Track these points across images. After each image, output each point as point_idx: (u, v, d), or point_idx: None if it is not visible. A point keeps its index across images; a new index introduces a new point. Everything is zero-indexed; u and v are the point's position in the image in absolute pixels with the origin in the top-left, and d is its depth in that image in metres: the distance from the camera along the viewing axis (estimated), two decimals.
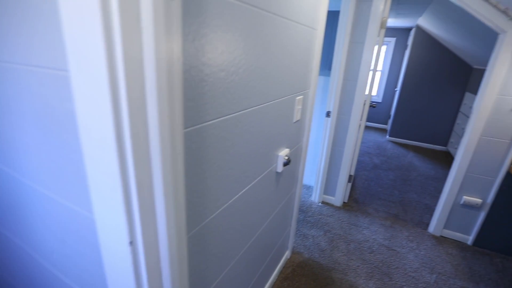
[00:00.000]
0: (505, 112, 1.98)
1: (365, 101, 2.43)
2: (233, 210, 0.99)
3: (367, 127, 5.97)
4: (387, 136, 5.21)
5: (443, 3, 2.75)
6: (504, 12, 1.83)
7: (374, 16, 2.14)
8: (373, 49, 2.23)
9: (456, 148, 4.20)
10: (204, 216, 0.82)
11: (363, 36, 2.23)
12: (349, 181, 2.71)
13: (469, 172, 2.19)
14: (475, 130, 2.08)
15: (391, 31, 5.43)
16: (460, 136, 4.09)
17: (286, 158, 1.31)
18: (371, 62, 2.29)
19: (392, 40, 5.47)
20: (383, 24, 2.19)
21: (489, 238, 2.26)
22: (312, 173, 3.09)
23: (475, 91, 3.97)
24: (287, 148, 1.36)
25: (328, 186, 2.76)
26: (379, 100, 5.86)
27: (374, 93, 5.93)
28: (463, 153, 2.16)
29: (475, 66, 4.19)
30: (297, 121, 1.44)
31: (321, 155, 2.64)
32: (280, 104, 1.18)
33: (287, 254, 2.00)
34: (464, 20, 2.77)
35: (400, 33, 5.39)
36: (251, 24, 0.81)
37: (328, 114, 2.48)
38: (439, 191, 3.26)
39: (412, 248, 2.27)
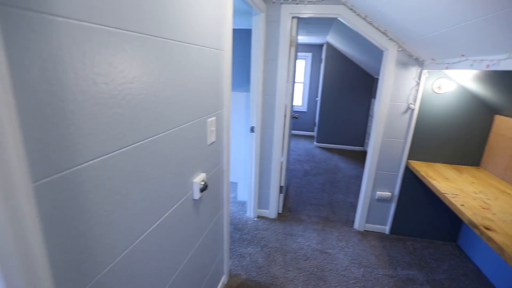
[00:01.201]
0: (397, 116, 2.31)
1: (286, 113, 2.56)
2: (140, 253, 0.89)
3: (297, 136, 6.35)
4: (315, 143, 5.62)
5: (341, 24, 3.13)
6: (384, 33, 2.16)
7: (283, 35, 2.30)
8: (287, 65, 2.38)
9: None
10: (95, 272, 0.71)
11: (276, 54, 2.36)
12: (280, 192, 2.79)
13: (378, 170, 2.47)
14: (377, 133, 2.36)
15: (307, 47, 5.96)
16: None
17: (203, 183, 1.26)
18: (287, 77, 2.43)
19: (309, 55, 6.00)
20: (292, 42, 2.36)
21: (400, 225, 2.57)
22: (245, 189, 3.09)
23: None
24: (203, 172, 1.31)
25: (262, 200, 2.79)
26: (305, 110, 6.31)
27: (299, 103, 6.37)
28: (372, 154, 2.43)
29: (376, 76, 4.87)
30: (213, 143, 1.41)
31: (250, 170, 2.66)
32: (189, 128, 1.13)
33: (223, 279, 1.92)
34: (359, 39, 3.20)
35: (314, 49, 5.95)
36: (140, 51, 0.75)
37: (252, 129, 2.53)
38: (360, 188, 3.60)
39: (342, 248, 2.42)
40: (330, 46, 5.03)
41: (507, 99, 1.86)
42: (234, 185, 3.49)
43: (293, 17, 2.30)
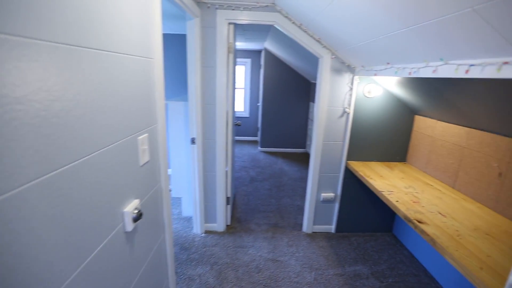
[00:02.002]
0: (335, 119, 2.42)
1: (228, 121, 2.46)
2: None
3: (241, 142, 6.31)
4: (259, 148, 5.66)
5: (278, 31, 3.18)
6: (318, 41, 2.24)
7: (220, 41, 2.20)
8: (226, 72, 2.29)
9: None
10: None
11: (214, 60, 2.25)
12: (228, 203, 2.67)
13: (321, 173, 2.55)
14: (318, 137, 2.44)
15: (246, 53, 5.99)
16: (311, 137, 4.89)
17: (136, 211, 1.07)
18: (226, 84, 2.34)
19: (248, 60, 6.04)
20: (230, 48, 2.28)
21: (344, 223, 2.69)
22: (190, 204, 2.89)
23: (313, 100, 4.85)
24: (136, 199, 1.12)
25: (208, 213, 2.63)
26: (247, 115, 6.33)
27: (241, 109, 6.36)
28: (314, 158, 2.50)
29: (313, 81, 5.14)
30: (146, 162, 1.22)
31: (194, 184, 2.49)
32: (114, 150, 0.94)
33: None
34: (296, 45, 3.30)
35: (253, 55, 6.02)
36: (31, 61, 0.56)
37: (193, 141, 2.36)
38: (305, 190, 3.72)
39: (292, 253, 2.42)
40: (268, 52, 5.13)
41: (423, 101, 2.09)
42: (177, 200, 3.24)
43: (229, 23, 2.23)
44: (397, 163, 2.52)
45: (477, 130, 1.78)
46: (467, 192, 1.85)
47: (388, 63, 1.73)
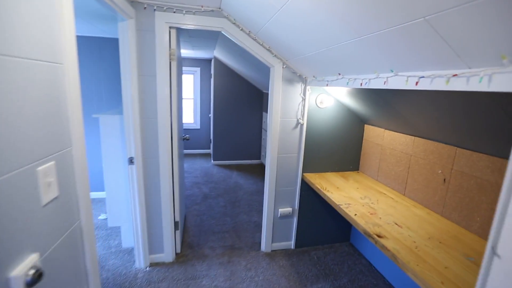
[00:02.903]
0: (289, 131, 2.33)
1: (172, 136, 2.20)
2: None
3: (192, 155, 5.97)
4: (212, 161, 5.39)
5: (227, 39, 3.04)
6: (269, 50, 2.14)
7: (160, 47, 1.95)
8: (168, 82, 2.04)
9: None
10: None
11: (153, 69, 1.99)
12: (176, 228, 2.37)
13: (278, 187, 2.42)
14: (273, 150, 2.32)
15: (195, 62, 5.74)
16: (266, 148, 4.81)
17: (32, 272, 0.77)
18: (170, 95, 2.09)
19: (197, 69, 5.79)
20: (172, 56, 2.04)
21: (303, 237, 2.59)
22: (131, 233, 2.51)
23: (266, 110, 4.80)
24: (34, 252, 0.82)
25: (154, 242, 2.30)
26: (198, 127, 6.03)
27: (191, 120, 6.04)
28: (270, 172, 2.36)
29: (265, 91, 5.10)
30: (54, 199, 0.92)
31: (134, 210, 2.15)
32: None
33: None
34: (246, 54, 3.19)
35: (203, 64, 5.79)
36: None
37: (131, 160, 2.04)
38: (262, 204, 3.57)
39: (252, 278, 2.22)
40: (218, 61, 4.96)
41: (372, 110, 2.11)
42: (116, 230, 2.81)
43: (171, 27, 2.00)
44: (351, 172, 2.53)
45: (421, 139, 1.83)
46: (417, 199, 1.88)
47: (339, 74, 1.68)
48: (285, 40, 1.76)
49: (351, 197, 1.95)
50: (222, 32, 2.06)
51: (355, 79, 1.52)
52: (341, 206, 1.78)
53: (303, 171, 2.42)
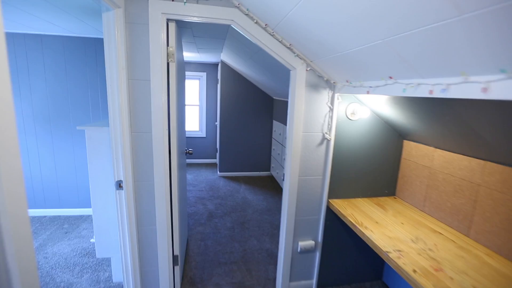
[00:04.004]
0: (313, 148, 1.90)
1: (171, 152, 1.79)
2: None
3: (196, 165, 5.57)
4: (218, 172, 4.98)
5: (237, 39, 2.64)
6: (290, 48, 1.72)
7: (155, 44, 1.56)
8: (165, 88, 1.64)
9: (277, 173, 4.46)
10: None
11: (147, 72, 1.59)
12: (175, 264, 1.95)
13: (298, 216, 1.99)
14: (293, 171, 1.89)
15: (201, 66, 5.38)
16: (279, 161, 4.37)
17: None
18: (167, 104, 1.69)
19: (203, 74, 5.42)
20: (171, 56, 1.64)
21: (327, 275, 2.14)
22: (119, 269, 2.10)
23: (280, 120, 4.38)
24: None
25: (147, 281, 1.88)
26: (203, 135, 5.64)
27: (196, 128, 5.66)
28: (289, 198, 1.93)
29: (275, 98, 4.69)
30: None
31: (122, 243, 1.74)
32: None
33: None
34: (257, 57, 2.79)
35: (209, 68, 5.42)
36: None
37: (119, 184, 1.64)
38: (274, 226, 3.13)
39: None
40: (225, 65, 4.58)
41: (419, 123, 1.67)
42: (106, 261, 2.40)
43: (169, 20, 1.60)
44: (386, 198, 2.07)
45: (499, 165, 1.38)
46: (491, 245, 1.42)
47: (390, 77, 1.25)
48: (317, 32, 1.34)
49: (398, 238, 1.50)
50: (232, 25, 1.65)
51: (419, 84, 1.09)
52: (390, 255, 1.34)
53: (329, 196, 1.99)
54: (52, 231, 2.89)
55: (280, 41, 1.70)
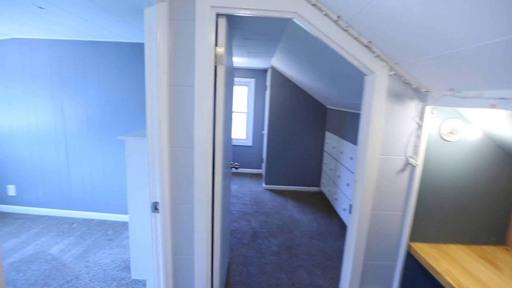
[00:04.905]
0: (391, 176, 1.46)
1: (215, 169, 1.52)
2: None
3: (241, 175, 5.34)
4: (263, 184, 4.67)
5: (294, 40, 2.33)
6: (368, 47, 1.34)
7: (202, 44, 1.31)
8: (211, 95, 1.38)
9: (329, 190, 3.99)
10: None
11: (191, 77, 1.35)
12: None
13: (367, 260, 1.56)
14: (364, 203, 1.47)
15: (250, 72, 5.19)
16: (331, 177, 3.90)
17: None
18: (213, 115, 1.43)
19: (252, 81, 5.22)
20: (218, 57, 1.38)
21: None
22: None
23: (334, 131, 3.92)
24: None
25: None
26: (250, 144, 5.41)
27: (242, 136, 5.46)
28: (357, 237, 1.51)
29: (329, 107, 4.24)
30: None
31: (156, 271, 1.51)
32: None
33: None
34: (315, 60, 2.43)
35: (258, 74, 5.20)
36: None
37: (155, 207, 1.42)
38: (327, 256, 2.69)
39: None
40: (275, 71, 4.29)
41: None
42: (143, 281, 2.23)
43: (218, 15, 1.35)
44: (493, 248, 1.52)
45: None
46: None
47: None
48: (423, 21, 0.94)
49: None
50: (294, 19, 1.33)
51: None
52: None
53: (411, 238, 1.52)
54: (96, 237, 2.87)
55: (355, 38, 1.33)
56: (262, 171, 5.25)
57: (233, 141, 5.37)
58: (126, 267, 2.39)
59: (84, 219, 3.25)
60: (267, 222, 3.40)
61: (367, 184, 1.44)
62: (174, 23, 1.30)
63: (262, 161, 5.38)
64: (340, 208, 3.40)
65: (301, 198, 4.24)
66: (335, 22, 1.30)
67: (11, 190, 3.34)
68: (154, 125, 1.34)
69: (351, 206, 1.57)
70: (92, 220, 3.25)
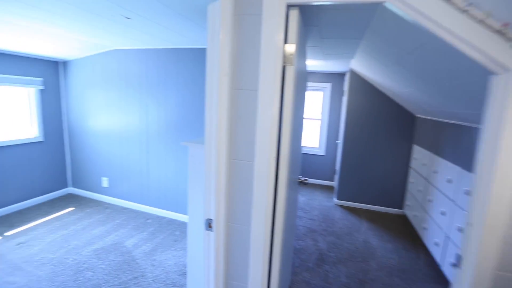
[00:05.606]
0: None
1: (278, 185, 1.30)
2: None
3: (311, 186, 4.99)
4: (335, 199, 4.23)
5: (381, 35, 1.95)
6: (501, 33, 0.93)
7: (269, 41, 1.12)
8: (277, 101, 1.18)
9: (416, 215, 3.31)
10: None
11: (254, 79, 1.17)
12: None
13: None
14: (483, 261, 1.03)
15: (326, 76, 4.84)
16: (419, 200, 3.23)
17: None
18: (278, 124, 1.22)
19: (328, 85, 4.85)
20: (288, 56, 1.17)
21: None
22: None
23: (425, 145, 3.25)
24: None
25: None
26: (322, 153, 5.02)
27: (315, 145, 5.11)
28: None
29: (419, 115, 3.56)
30: None
31: None
32: None
33: None
34: (410, 59, 1.98)
35: (334, 79, 4.81)
36: None
37: (209, 224, 1.28)
38: None
39: None
40: (354, 75, 3.85)
41: None
42: None
43: (290, 6, 1.14)
44: None
45: None
46: None
47: None
48: None
49: None
50: (387, 3, 1.02)
51: None
52: None
53: None
54: (165, 236, 2.99)
55: (479, 21, 0.93)
56: (334, 184, 4.80)
57: (304, 149, 5.08)
58: (185, 274, 2.38)
59: (157, 216, 3.47)
60: (337, 244, 3.00)
61: (490, 232, 1.00)
62: (238, 19, 1.15)
63: (334, 173, 4.92)
64: (431, 241, 2.75)
65: (378, 220, 3.65)
66: (448, 0, 0.94)
67: (105, 182, 3.82)
68: (212, 133, 1.21)
69: (459, 257, 1.13)
70: (164, 218, 3.43)
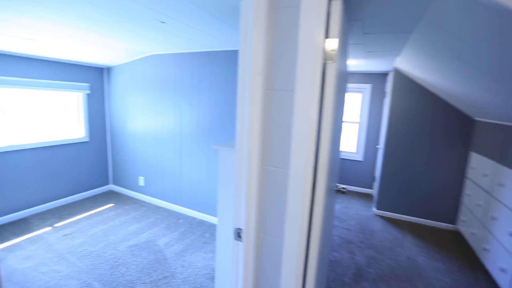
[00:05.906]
0: None
1: (315, 196, 1.17)
2: None
3: (348, 193, 4.70)
4: (374, 209, 3.92)
5: (438, 27, 1.71)
6: None
7: (307, 36, 1.00)
8: (316, 103, 1.05)
9: (473, 233, 2.91)
10: None
11: (291, 79, 1.06)
12: None
13: None
14: None
15: (366, 77, 4.54)
16: (477, 216, 2.84)
17: None
18: (315, 127, 1.09)
19: (367, 86, 4.54)
20: (329, 53, 1.04)
21: None
22: None
23: (486, 152, 2.85)
24: None
25: None
26: (360, 159, 4.71)
27: (352, 150, 4.82)
28: None
29: (478, 119, 3.14)
30: None
31: None
32: None
33: None
34: (477, 50, 1.71)
35: (375, 79, 4.48)
36: None
37: (238, 234, 1.19)
38: None
39: None
40: (399, 74, 3.53)
41: None
42: None
43: None
44: None
45: None
46: None
47: None
48: None
49: None
50: None
51: None
52: None
53: None
54: (195, 237, 2.99)
55: None
56: (374, 192, 4.47)
57: (341, 154, 4.81)
58: (214, 278, 2.33)
59: (188, 217, 3.49)
60: (377, 259, 2.74)
61: None
62: (274, 13, 1.04)
63: (374, 180, 4.59)
64: (494, 265, 2.38)
65: (426, 236, 3.29)
66: None
67: (141, 181, 3.96)
68: (244, 137, 1.12)
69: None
70: (195, 219, 3.45)
